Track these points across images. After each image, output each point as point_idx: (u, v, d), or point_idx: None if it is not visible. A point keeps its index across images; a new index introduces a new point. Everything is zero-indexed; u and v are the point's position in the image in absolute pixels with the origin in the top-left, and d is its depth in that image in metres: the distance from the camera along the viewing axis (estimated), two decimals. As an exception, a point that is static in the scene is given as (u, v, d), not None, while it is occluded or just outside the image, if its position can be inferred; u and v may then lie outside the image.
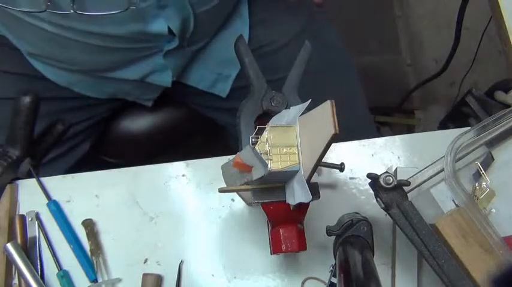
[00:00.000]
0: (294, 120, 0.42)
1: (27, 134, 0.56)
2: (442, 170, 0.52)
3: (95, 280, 0.56)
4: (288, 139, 0.40)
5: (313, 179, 0.42)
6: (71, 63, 0.67)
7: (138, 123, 0.86)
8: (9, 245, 0.54)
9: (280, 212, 0.45)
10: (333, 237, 0.50)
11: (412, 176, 0.53)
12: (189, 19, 0.61)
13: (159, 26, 0.59)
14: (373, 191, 0.48)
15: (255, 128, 0.44)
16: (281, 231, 0.46)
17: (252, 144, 0.40)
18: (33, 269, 0.55)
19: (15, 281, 0.56)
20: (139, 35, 0.60)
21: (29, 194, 0.59)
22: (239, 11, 0.72)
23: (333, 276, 0.51)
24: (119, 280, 0.56)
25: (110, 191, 0.59)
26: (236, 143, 0.48)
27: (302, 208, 0.45)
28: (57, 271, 0.56)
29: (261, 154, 0.39)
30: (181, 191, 0.59)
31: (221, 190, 0.43)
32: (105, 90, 0.75)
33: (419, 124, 1.47)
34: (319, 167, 0.47)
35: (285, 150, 0.40)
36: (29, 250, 0.57)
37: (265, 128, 0.40)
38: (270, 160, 0.39)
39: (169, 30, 0.61)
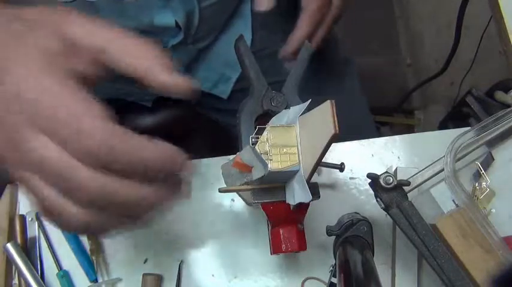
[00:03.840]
0: (294, 120, 0.41)
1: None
2: (442, 170, 0.52)
3: (95, 280, 0.56)
4: (288, 139, 0.40)
5: (313, 179, 0.42)
6: None
7: (138, 123, 0.86)
8: (9, 245, 0.54)
9: (280, 212, 0.45)
10: (333, 237, 0.50)
11: (412, 176, 0.53)
12: (194, 13, 0.61)
13: (166, 18, 0.59)
14: (373, 191, 0.48)
15: (255, 128, 0.44)
16: (281, 231, 0.46)
17: (252, 144, 0.40)
18: (33, 269, 0.55)
19: (15, 281, 0.56)
20: (146, 27, 0.59)
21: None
22: (242, 12, 0.72)
23: (333, 276, 0.51)
24: (119, 280, 0.56)
25: (110, 191, 0.59)
26: (236, 143, 0.48)
27: (302, 208, 0.45)
28: (57, 271, 0.56)
29: (261, 153, 0.39)
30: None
31: (221, 190, 0.43)
32: (107, 90, 0.75)
33: (419, 124, 1.47)
34: (319, 167, 0.47)
35: (285, 150, 0.40)
36: (29, 250, 0.57)
37: (265, 128, 0.40)
38: (270, 159, 0.39)
39: (175, 24, 0.61)
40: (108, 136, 0.31)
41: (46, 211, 0.35)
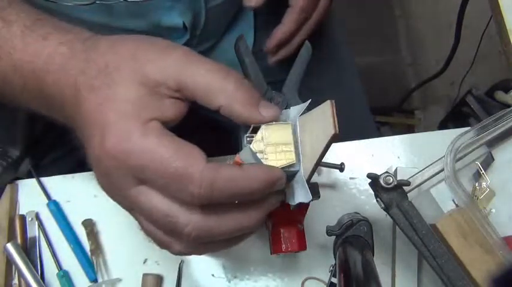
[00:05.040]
0: (294, 120, 0.41)
1: (27, 134, 0.56)
2: (442, 170, 0.52)
3: (95, 280, 0.56)
4: (283, 137, 0.40)
5: (313, 179, 0.42)
6: None
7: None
8: (9, 245, 0.54)
9: (280, 212, 0.45)
10: (333, 237, 0.50)
11: (412, 176, 0.53)
12: (200, 14, 0.62)
13: (173, 19, 0.59)
14: (373, 191, 0.48)
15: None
16: (281, 231, 0.46)
17: (247, 143, 0.39)
18: (33, 269, 0.55)
19: (15, 281, 0.56)
20: (154, 28, 0.59)
21: (29, 194, 0.59)
22: (245, 13, 0.72)
23: (333, 276, 0.51)
24: (119, 280, 0.56)
25: (110, 191, 0.59)
26: (236, 143, 0.48)
27: (302, 208, 0.45)
28: (57, 271, 0.56)
29: (257, 152, 0.38)
30: (181, 191, 0.59)
31: (221, 190, 0.43)
32: None
33: (419, 124, 1.48)
34: (319, 167, 0.47)
35: (280, 148, 0.39)
36: (29, 250, 0.57)
37: (259, 126, 0.40)
38: (266, 158, 0.39)
39: (183, 25, 0.61)
40: (204, 176, 0.32)
41: (150, 237, 0.37)
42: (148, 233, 0.36)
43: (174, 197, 0.33)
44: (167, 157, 0.32)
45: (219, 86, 0.36)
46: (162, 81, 0.35)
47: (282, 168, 0.38)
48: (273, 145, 0.39)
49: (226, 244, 0.37)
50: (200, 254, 0.38)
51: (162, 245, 0.37)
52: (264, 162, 0.38)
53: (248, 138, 0.39)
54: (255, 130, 0.39)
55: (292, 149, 0.39)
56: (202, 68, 0.36)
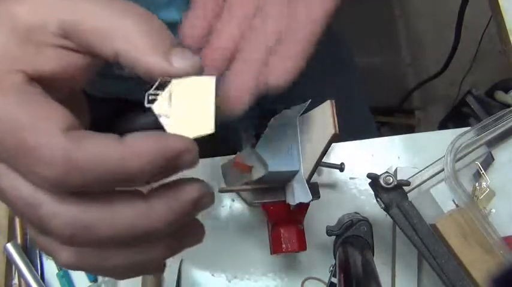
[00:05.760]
0: (294, 120, 0.42)
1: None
2: (442, 170, 0.52)
3: (94, 280, 0.56)
4: (200, 96, 0.28)
5: (313, 179, 0.42)
6: None
7: (139, 123, 0.86)
8: (9, 245, 0.54)
9: (280, 212, 0.45)
10: (333, 237, 0.50)
11: (412, 176, 0.53)
12: None
13: (170, 15, 0.59)
14: (373, 191, 0.48)
15: (255, 128, 0.44)
16: (281, 231, 0.46)
17: (148, 102, 0.28)
18: (33, 269, 0.55)
19: (15, 281, 0.56)
20: None
21: (29, 194, 0.59)
22: None
23: (333, 276, 0.51)
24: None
25: (110, 191, 0.59)
26: (236, 143, 0.48)
27: (302, 208, 0.45)
28: (57, 271, 0.56)
29: (160, 116, 0.28)
30: (181, 191, 0.59)
31: (221, 190, 0.43)
32: (108, 89, 0.75)
33: (419, 124, 1.48)
34: (319, 167, 0.47)
35: (194, 111, 0.28)
36: (29, 250, 0.57)
37: (167, 81, 0.28)
38: (170, 125, 0.28)
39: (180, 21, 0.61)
40: (56, 150, 0.23)
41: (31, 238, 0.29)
42: (29, 233, 0.28)
43: (31, 180, 0.24)
44: (17, 122, 0.23)
45: (114, 26, 0.26)
46: (38, 25, 0.26)
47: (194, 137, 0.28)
48: (183, 107, 0.28)
49: (133, 257, 0.27)
50: (96, 271, 0.28)
51: (43, 248, 0.27)
52: (169, 130, 0.28)
53: (151, 97, 0.28)
54: (163, 86, 0.28)
55: (212, 112, 0.28)
56: (93, 4, 0.27)
